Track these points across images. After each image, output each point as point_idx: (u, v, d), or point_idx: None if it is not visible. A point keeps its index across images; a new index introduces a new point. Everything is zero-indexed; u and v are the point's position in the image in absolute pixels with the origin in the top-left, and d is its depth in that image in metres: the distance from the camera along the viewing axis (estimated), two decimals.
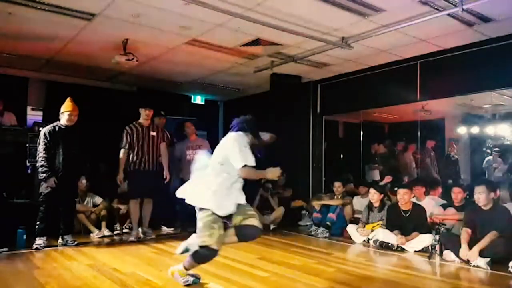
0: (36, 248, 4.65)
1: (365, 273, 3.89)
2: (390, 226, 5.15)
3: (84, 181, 5.85)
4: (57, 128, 4.92)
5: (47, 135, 4.82)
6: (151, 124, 5.62)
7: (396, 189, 5.50)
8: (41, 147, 4.81)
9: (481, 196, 4.24)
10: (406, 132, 7.67)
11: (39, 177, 4.82)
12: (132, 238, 5.35)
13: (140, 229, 5.55)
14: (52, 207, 4.83)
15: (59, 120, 4.99)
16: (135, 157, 5.37)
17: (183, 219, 6.38)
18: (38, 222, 4.76)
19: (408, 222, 5.00)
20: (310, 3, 4.18)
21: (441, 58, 5.63)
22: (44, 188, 4.80)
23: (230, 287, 3.33)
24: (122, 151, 5.39)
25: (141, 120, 5.52)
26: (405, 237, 4.88)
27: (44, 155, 4.77)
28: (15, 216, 5.15)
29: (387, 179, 6.74)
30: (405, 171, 7.33)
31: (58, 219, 4.96)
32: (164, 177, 5.55)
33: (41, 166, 4.76)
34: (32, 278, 3.52)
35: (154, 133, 5.55)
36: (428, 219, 5.04)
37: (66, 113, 4.94)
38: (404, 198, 5.07)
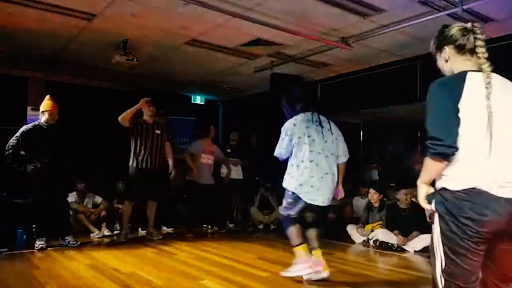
0: (42, 248, 4.64)
1: (365, 273, 3.89)
2: (389, 225, 5.16)
3: (82, 184, 5.87)
4: (38, 127, 4.82)
5: (24, 134, 4.71)
6: (155, 121, 5.54)
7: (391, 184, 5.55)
8: (10, 143, 4.70)
9: None
10: (406, 132, 7.67)
11: (28, 170, 4.73)
12: (122, 239, 5.27)
13: (145, 230, 5.58)
14: (45, 208, 4.77)
15: (45, 120, 4.88)
16: (137, 154, 5.28)
17: (185, 219, 6.40)
18: (34, 225, 4.73)
19: (407, 220, 5.00)
20: (310, 3, 4.18)
21: None
22: (34, 182, 4.74)
23: (230, 287, 3.33)
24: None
25: (145, 118, 5.46)
26: (406, 238, 4.89)
27: (11, 151, 4.66)
28: (15, 216, 5.15)
29: None
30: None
31: (56, 219, 4.93)
32: (170, 171, 5.50)
33: (10, 163, 4.69)
34: (32, 278, 3.52)
35: (159, 131, 5.48)
36: (428, 219, 5.04)
37: (46, 113, 4.85)
38: (407, 198, 5.08)
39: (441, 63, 1.88)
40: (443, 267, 1.65)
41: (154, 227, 5.65)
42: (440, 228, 1.65)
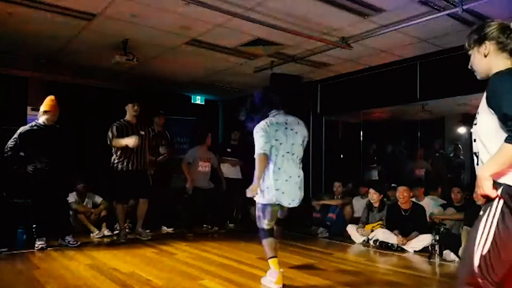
0: (42, 248, 4.64)
1: (365, 273, 3.89)
2: (389, 225, 5.17)
3: (82, 185, 5.89)
4: (36, 127, 4.80)
5: (22, 135, 4.68)
6: (139, 122, 5.42)
7: (393, 185, 5.57)
8: (9, 145, 4.69)
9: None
10: (406, 132, 7.66)
11: (28, 171, 4.73)
12: (122, 240, 5.26)
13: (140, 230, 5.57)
14: (45, 208, 4.76)
15: (45, 118, 4.85)
16: (123, 156, 5.17)
17: (185, 219, 6.40)
18: (34, 225, 4.73)
19: (408, 221, 5.01)
20: (310, 3, 4.18)
21: (441, 58, 5.62)
22: (34, 182, 4.73)
23: (230, 287, 3.33)
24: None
25: (128, 118, 5.34)
26: (405, 238, 4.89)
27: (10, 153, 4.66)
28: (15, 216, 5.15)
29: None
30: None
31: (56, 219, 4.92)
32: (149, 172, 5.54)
33: (10, 165, 4.70)
34: (32, 278, 3.52)
35: (143, 132, 5.38)
36: (428, 219, 5.06)
37: (47, 113, 4.83)
38: (403, 195, 5.08)
39: (477, 58, 1.84)
40: (484, 252, 1.65)
41: (143, 227, 5.55)
42: (503, 215, 1.64)
